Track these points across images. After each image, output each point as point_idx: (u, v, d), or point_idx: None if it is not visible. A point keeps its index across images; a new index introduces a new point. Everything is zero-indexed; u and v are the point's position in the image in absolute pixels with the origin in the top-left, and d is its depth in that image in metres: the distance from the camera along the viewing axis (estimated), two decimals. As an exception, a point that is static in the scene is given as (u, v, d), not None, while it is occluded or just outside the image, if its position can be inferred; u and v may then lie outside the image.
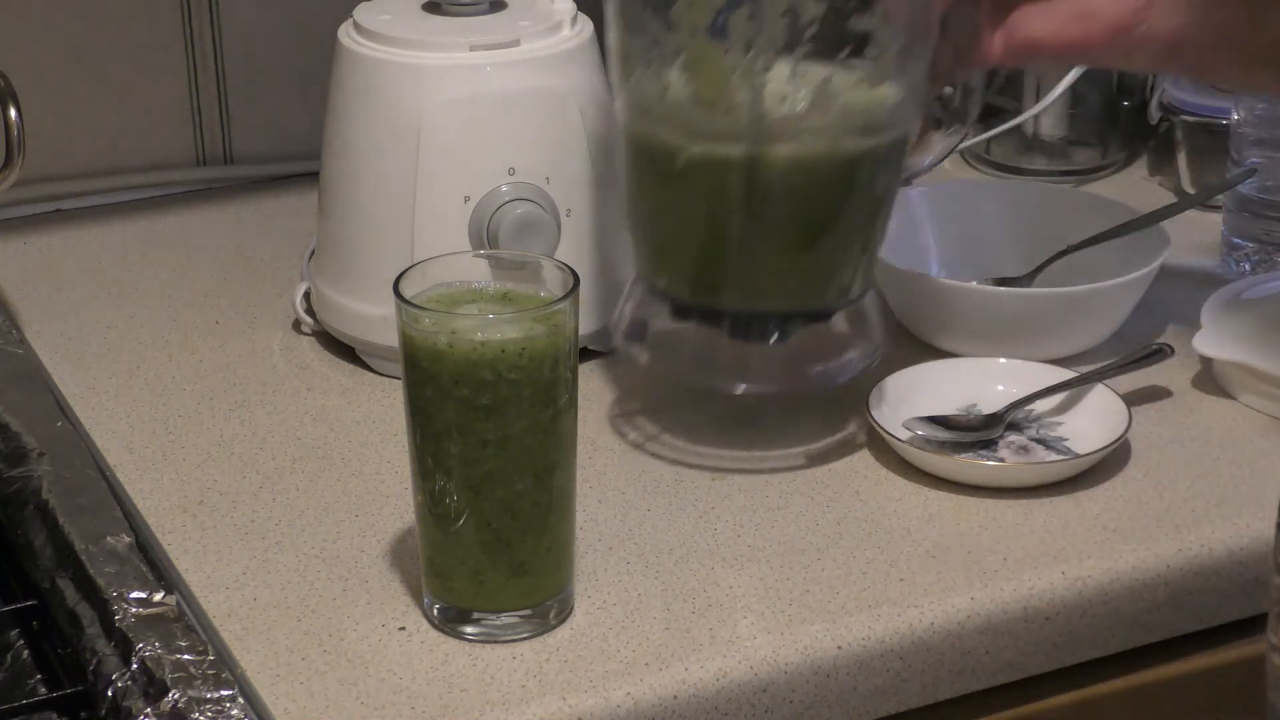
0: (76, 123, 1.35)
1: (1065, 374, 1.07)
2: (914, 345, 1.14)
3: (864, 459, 1.03)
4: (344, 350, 1.15)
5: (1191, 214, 1.27)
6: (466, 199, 1.08)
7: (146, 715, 0.82)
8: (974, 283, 1.14)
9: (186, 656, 0.84)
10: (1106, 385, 1.06)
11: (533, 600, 0.88)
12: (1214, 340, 1.09)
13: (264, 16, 1.38)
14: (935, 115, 1.04)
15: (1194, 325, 1.11)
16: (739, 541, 0.96)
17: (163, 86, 1.37)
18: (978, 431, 1.03)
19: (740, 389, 0.99)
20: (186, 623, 0.87)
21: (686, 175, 0.94)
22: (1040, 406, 1.07)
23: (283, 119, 1.40)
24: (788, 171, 0.95)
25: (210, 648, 0.85)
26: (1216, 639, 0.97)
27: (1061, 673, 0.94)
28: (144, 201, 1.37)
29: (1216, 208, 1.29)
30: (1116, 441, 1.01)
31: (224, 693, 0.82)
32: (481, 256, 1.00)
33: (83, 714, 0.85)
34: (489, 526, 0.86)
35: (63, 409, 1.07)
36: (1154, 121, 1.40)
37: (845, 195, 0.97)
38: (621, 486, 1.01)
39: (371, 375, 1.13)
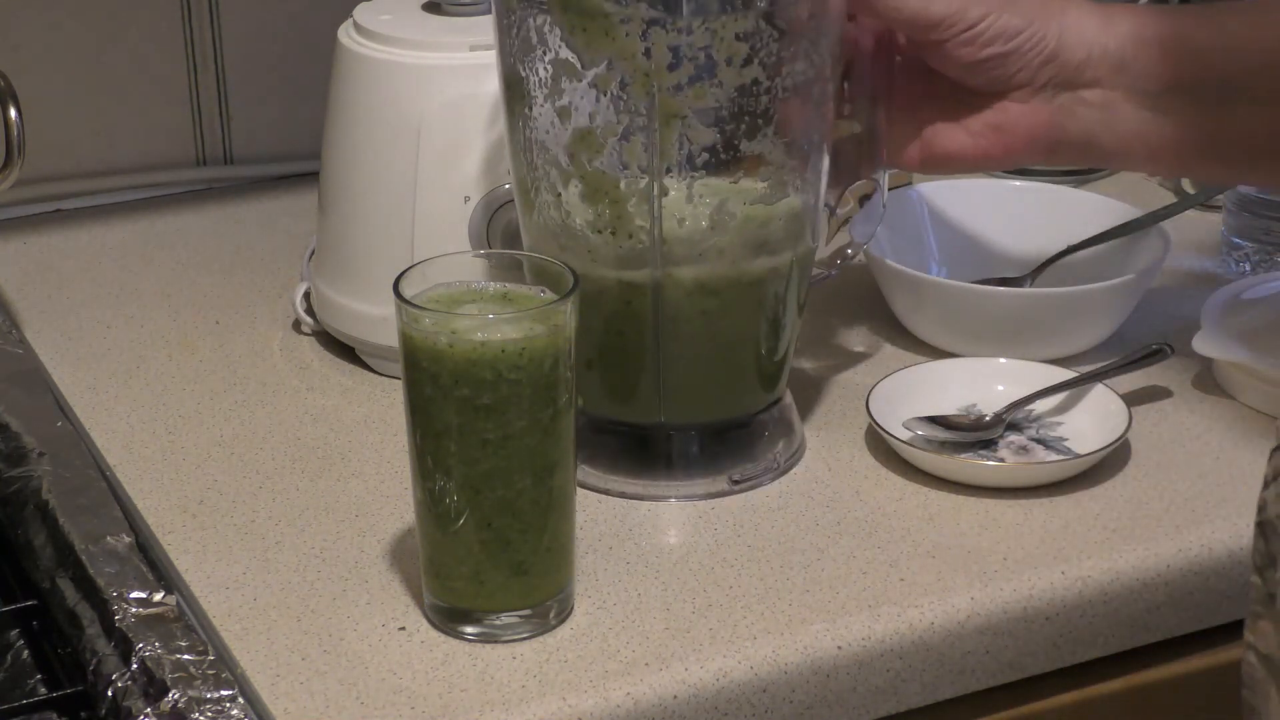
0: (76, 123, 1.36)
1: (1065, 374, 1.07)
2: (914, 345, 1.14)
3: (864, 459, 1.03)
4: (344, 350, 1.15)
5: (1191, 214, 1.27)
6: (466, 199, 1.08)
7: (146, 715, 0.82)
8: (974, 283, 1.14)
9: (186, 656, 0.84)
10: (1106, 385, 1.06)
11: (533, 600, 0.88)
12: (1214, 340, 1.09)
13: (264, 16, 1.38)
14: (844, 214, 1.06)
15: (1194, 325, 1.11)
16: (739, 541, 0.96)
17: (163, 86, 1.37)
18: (978, 431, 1.03)
19: (670, 500, 0.99)
20: (186, 623, 0.87)
21: (593, 300, 0.94)
22: (1040, 406, 1.07)
23: (283, 119, 1.40)
24: (694, 292, 0.96)
25: (210, 648, 0.85)
26: (1216, 639, 0.97)
27: (1061, 673, 0.94)
28: (144, 201, 1.37)
29: (1216, 208, 1.29)
30: (1116, 441, 1.01)
31: (224, 693, 0.83)
32: (481, 256, 1.00)
33: (83, 714, 0.85)
34: (489, 526, 0.86)
35: (63, 409, 1.07)
36: (1154, 121, 1.40)
37: (755, 310, 0.98)
38: (621, 486, 1.01)
39: (371, 375, 1.13)
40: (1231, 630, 0.97)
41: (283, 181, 1.39)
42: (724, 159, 0.94)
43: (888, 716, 0.91)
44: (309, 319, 1.17)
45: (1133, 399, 1.06)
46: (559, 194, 0.95)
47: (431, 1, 1.13)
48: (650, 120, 0.92)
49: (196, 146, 1.39)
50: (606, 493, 1.00)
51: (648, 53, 0.91)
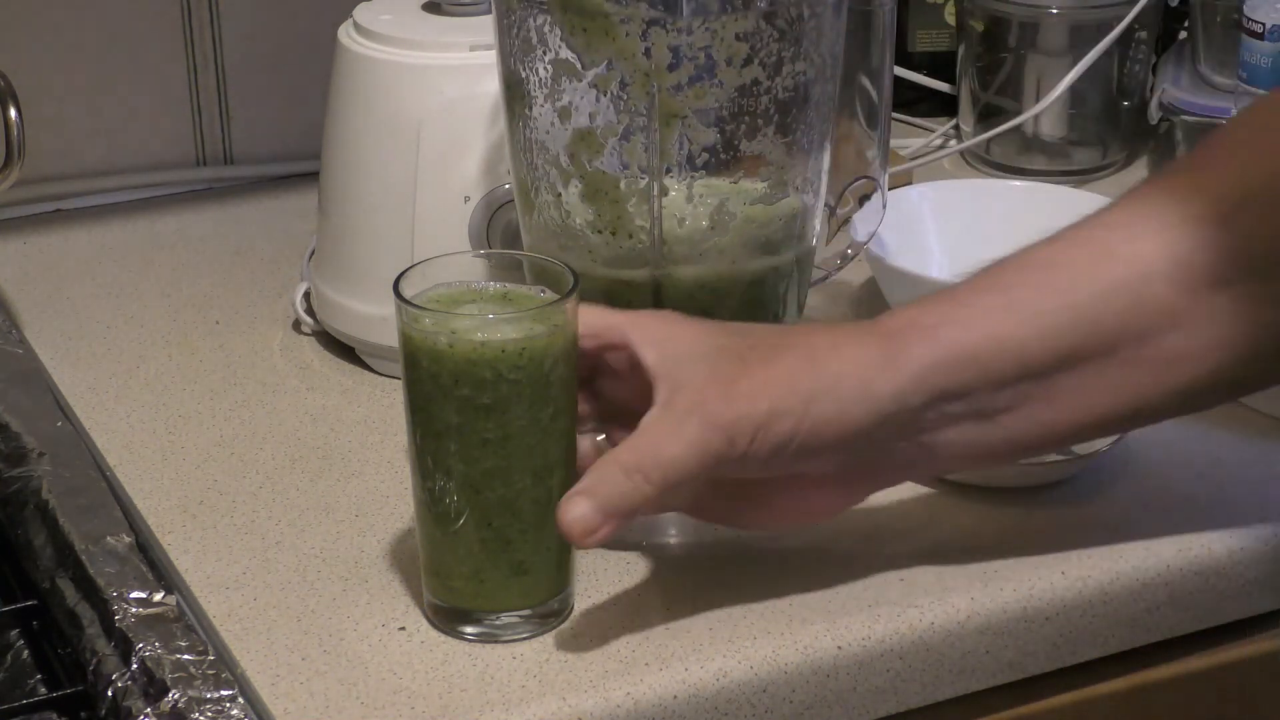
0: (76, 123, 1.35)
1: (1065, 374, 1.07)
2: (914, 345, 1.14)
3: (864, 459, 1.03)
4: (344, 350, 1.15)
5: (1191, 214, 1.27)
6: (466, 199, 1.08)
7: (146, 715, 0.82)
8: (974, 283, 1.13)
9: (186, 656, 0.84)
10: (1106, 385, 1.06)
11: (533, 600, 0.88)
12: (1214, 340, 1.08)
13: (264, 16, 1.38)
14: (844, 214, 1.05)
15: (1194, 325, 1.10)
16: (739, 541, 0.96)
17: (163, 86, 1.37)
18: (978, 431, 1.03)
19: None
20: (186, 623, 0.87)
21: (594, 300, 0.94)
22: (1040, 406, 1.06)
23: (283, 119, 1.40)
24: (694, 292, 0.95)
25: (210, 648, 0.85)
26: (1216, 639, 0.97)
27: (1061, 673, 0.94)
28: (144, 201, 1.37)
29: (1216, 208, 1.29)
30: (1116, 441, 1.01)
31: (224, 693, 0.83)
32: (481, 256, 1.00)
33: (83, 714, 0.85)
34: (489, 526, 0.86)
35: (63, 409, 1.07)
36: (1154, 121, 1.40)
37: (755, 311, 0.98)
38: (621, 486, 1.01)
39: (371, 375, 1.13)
40: (1232, 630, 0.97)
41: (283, 181, 1.39)
42: (724, 159, 0.94)
43: (888, 716, 0.91)
44: (309, 319, 1.17)
45: (1133, 399, 1.06)
46: (559, 194, 0.95)
47: (431, 1, 1.13)
48: (650, 120, 0.92)
49: (196, 146, 1.39)
50: None
51: (648, 53, 0.91)
